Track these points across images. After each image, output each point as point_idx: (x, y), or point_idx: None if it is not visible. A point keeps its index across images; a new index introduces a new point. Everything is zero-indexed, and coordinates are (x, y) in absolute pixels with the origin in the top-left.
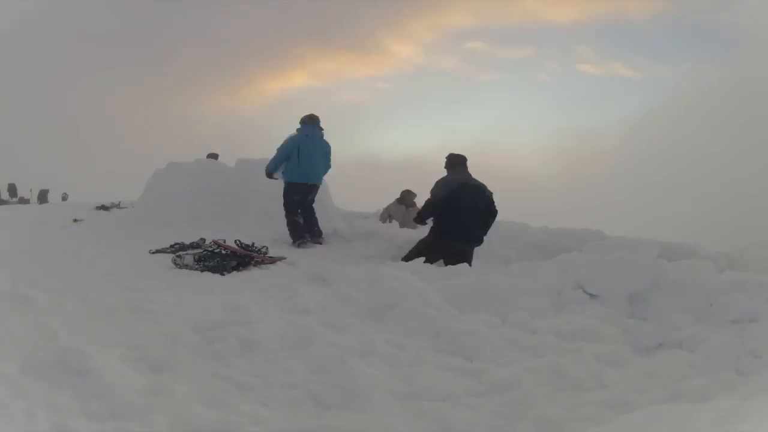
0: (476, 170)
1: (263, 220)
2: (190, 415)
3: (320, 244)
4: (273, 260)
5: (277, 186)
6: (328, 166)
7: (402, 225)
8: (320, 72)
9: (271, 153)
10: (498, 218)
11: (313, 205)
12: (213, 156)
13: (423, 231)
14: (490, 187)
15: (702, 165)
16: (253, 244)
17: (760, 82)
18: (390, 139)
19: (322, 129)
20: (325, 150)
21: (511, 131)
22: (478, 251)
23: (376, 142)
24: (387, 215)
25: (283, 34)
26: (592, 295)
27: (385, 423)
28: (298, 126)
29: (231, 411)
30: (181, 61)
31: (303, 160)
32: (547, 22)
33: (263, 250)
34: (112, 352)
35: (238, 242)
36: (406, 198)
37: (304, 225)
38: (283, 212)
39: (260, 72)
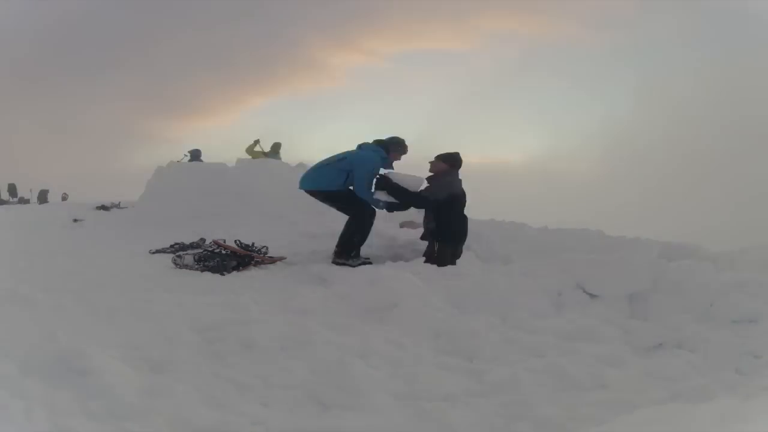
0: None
1: (263, 220)
2: (190, 415)
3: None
4: (273, 260)
5: (277, 186)
6: None
7: None
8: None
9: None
10: (497, 218)
11: None
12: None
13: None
14: None
15: (701, 165)
16: (253, 244)
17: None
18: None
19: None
20: None
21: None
22: (477, 251)
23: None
24: None
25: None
26: (592, 295)
27: (385, 423)
28: None
29: (231, 411)
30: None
31: None
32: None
33: (263, 250)
34: (112, 352)
35: (238, 242)
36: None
37: None
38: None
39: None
